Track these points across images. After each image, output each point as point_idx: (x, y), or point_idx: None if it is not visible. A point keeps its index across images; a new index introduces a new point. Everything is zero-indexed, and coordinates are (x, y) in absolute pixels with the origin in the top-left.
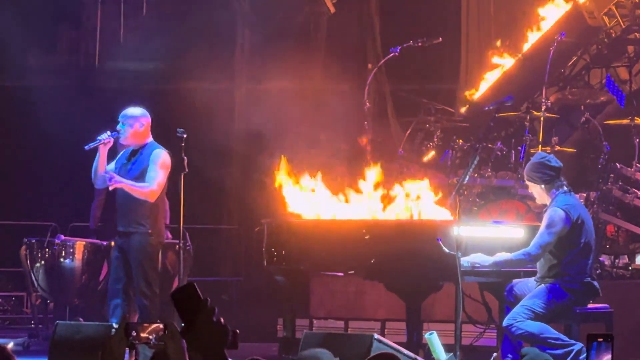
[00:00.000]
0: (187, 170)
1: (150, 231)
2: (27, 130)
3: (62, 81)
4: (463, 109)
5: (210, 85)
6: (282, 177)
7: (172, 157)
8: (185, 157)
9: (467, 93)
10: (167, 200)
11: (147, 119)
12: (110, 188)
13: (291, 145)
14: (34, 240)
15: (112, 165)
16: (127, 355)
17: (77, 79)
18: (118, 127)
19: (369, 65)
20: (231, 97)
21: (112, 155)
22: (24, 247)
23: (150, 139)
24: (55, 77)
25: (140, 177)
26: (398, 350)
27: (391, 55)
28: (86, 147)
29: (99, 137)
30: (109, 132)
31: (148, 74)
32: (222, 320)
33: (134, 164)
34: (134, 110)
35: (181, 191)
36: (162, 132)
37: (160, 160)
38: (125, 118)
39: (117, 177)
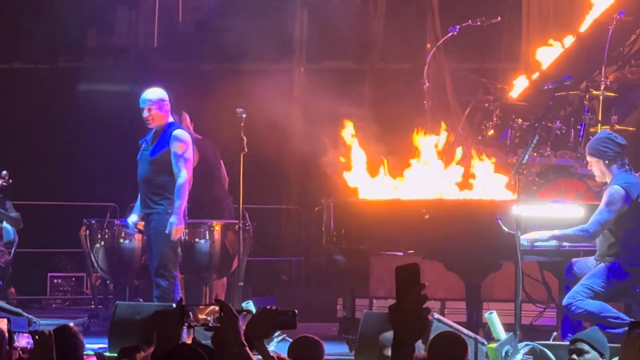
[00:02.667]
0: (246, 150)
1: (169, 211)
2: (86, 111)
3: (120, 62)
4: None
5: (269, 65)
6: (342, 157)
7: (231, 137)
8: (244, 137)
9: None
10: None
11: (167, 101)
12: (178, 236)
13: (350, 124)
14: (93, 221)
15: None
16: (184, 336)
17: (135, 59)
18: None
19: (428, 45)
20: (290, 77)
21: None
22: (83, 228)
23: (170, 119)
24: (114, 58)
25: (161, 159)
26: (458, 330)
27: (450, 34)
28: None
29: None
30: None
31: (206, 54)
32: (428, 313)
33: (155, 146)
34: (150, 93)
35: (241, 171)
36: (222, 112)
37: (180, 143)
38: (145, 102)
39: (175, 226)
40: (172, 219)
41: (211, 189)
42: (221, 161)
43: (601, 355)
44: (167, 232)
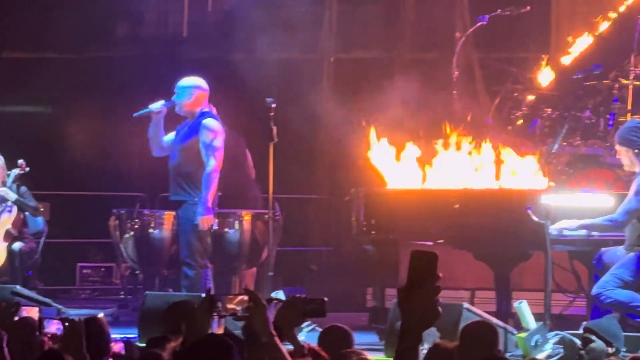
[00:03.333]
0: (276, 139)
1: (196, 200)
2: (115, 101)
3: (150, 51)
4: (550, 78)
5: (298, 55)
6: (372, 146)
7: (261, 126)
8: (274, 127)
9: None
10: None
11: (199, 89)
12: (206, 227)
13: (380, 114)
14: (123, 211)
15: (172, 135)
16: (215, 324)
17: (164, 49)
18: (173, 98)
19: (457, 34)
20: (320, 67)
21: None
22: (113, 218)
23: (202, 108)
24: (143, 48)
25: (189, 147)
26: (487, 320)
27: (479, 24)
28: (135, 115)
29: (151, 106)
30: (163, 102)
31: (236, 44)
32: (438, 303)
33: (185, 133)
34: (186, 80)
35: (270, 161)
36: (251, 102)
37: (209, 133)
38: (177, 88)
39: (201, 216)
40: (199, 209)
41: (238, 179)
42: (247, 151)
43: (609, 344)
44: (195, 222)
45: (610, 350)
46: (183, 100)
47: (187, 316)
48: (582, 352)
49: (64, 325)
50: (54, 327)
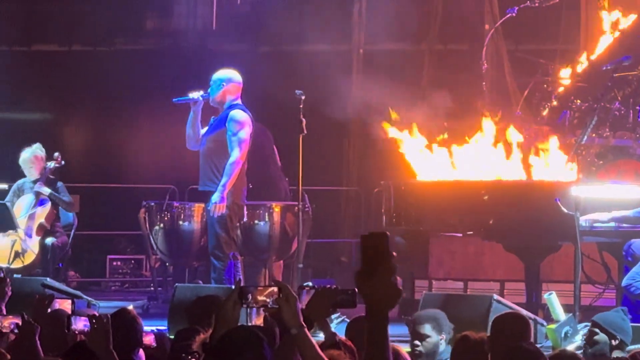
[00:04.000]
0: (305, 131)
1: None
2: (145, 93)
3: (179, 44)
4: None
5: (327, 47)
6: (401, 138)
7: (290, 119)
8: (303, 119)
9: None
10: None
11: (230, 82)
12: (217, 214)
13: (409, 106)
14: (152, 204)
15: (206, 129)
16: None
17: (193, 41)
18: (208, 90)
19: (486, 26)
20: (349, 59)
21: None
22: (143, 210)
23: (232, 100)
24: (173, 40)
25: (217, 138)
26: (517, 311)
27: (508, 16)
28: (174, 100)
29: (189, 95)
30: (201, 92)
31: (265, 36)
32: (399, 282)
33: (213, 125)
34: (218, 73)
35: (300, 153)
36: (280, 94)
37: (235, 124)
38: (210, 81)
39: (214, 202)
40: (215, 195)
41: (266, 171)
42: (274, 145)
43: (612, 337)
44: (208, 208)
45: (614, 342)
46: (214, 92)
47: (216, 308)
48: (586, 345)
49: (91, 322)
50: (81, 323)
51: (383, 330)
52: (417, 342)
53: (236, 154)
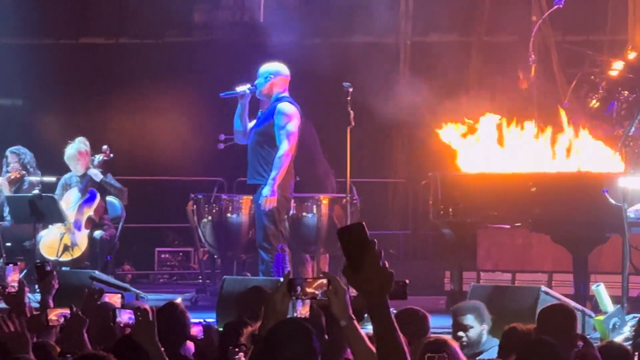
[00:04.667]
0: (353, 124)
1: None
2: (192, 85)
3: (226, 36)
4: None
5: (375, 39)
6: (449, 130)
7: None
8: (351, 111)
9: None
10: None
11: (277, 75)
12: (268, 207)
13: (456, 97)
14: (201, 196)
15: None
16: (299, 307)
17: (241, 34)
18: (255, 83)
19: (534, 18)
20: (396, 51)
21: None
22: (191, 202)
23: (280, 93)
24: (220, 33)
25: (264, 131)
26: (565, 303)
27: (556, 7)
28: (222, 95)
29: (237, 88)
30: (248, 85)
31: (312, 29)
32: (387, 264)
33: (261, 118)
34: (264, 66)
35: (348, 145)
36: (328, 86)
37: (283, 117)
38: (258, 73)
39: (264, 196)
40: (265, 189)
41: (313, 166)
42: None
43: None
44: (258, 202)
45: None
46: (261, 85)
47: (265, 301)
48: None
49: (135, 315)
50: (126, 316)
51: (387, 316)
52: (460, 333)
53: (285, 147)
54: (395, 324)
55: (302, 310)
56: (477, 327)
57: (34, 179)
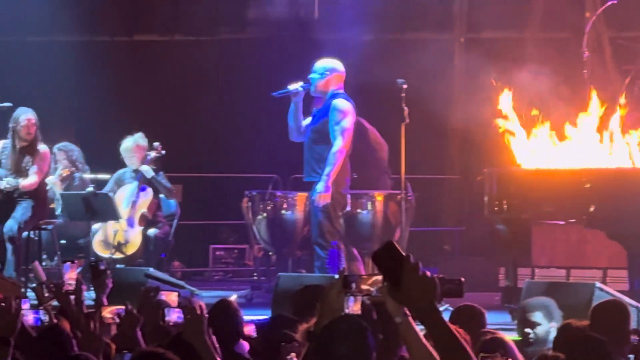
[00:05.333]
0: (407, 120)
1: None
2: (247, 82)
3: (281, 33)
4: None
5: (429, 35)
6: (503, 126)
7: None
8: (405, 108)
9: None
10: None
11: (333, 72)
12: (322, 204)
13: (512, 94)
14: (255, 193)
15: (310, 119)
16: (351, 304)
17: (296, 30)
18: (309, 79)
19: (587, 14)
20: (451, 47)
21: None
22: (245, 199)
23: (334, 90)
24: (275, 29)
25: (319, 128)
26: (620, 299)
27: (610, 3)
28: (274, 94)
29: (289, 86)
30: (301, 83)
31: (367, 25)
32: (427, 273)
33: (316, 115)
34: (320, 61)
35: (402, 142)
36: (382, 83)
37: (338, 113)
38: (312, 70)
39: (318, 192)
40: (319, 185)
41: (369, 164)
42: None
43: None
44: (312, 198)
45: None
46: (316, 82)
47: (320, 298)
48: None
49: (184, 314)
50: (175, 315)
51: (440, 322)
52: (528, 329)
53: (339, 143)
54: (451, 327)
55: (354, 306)
56: (545, 325)
57: (84, 175)
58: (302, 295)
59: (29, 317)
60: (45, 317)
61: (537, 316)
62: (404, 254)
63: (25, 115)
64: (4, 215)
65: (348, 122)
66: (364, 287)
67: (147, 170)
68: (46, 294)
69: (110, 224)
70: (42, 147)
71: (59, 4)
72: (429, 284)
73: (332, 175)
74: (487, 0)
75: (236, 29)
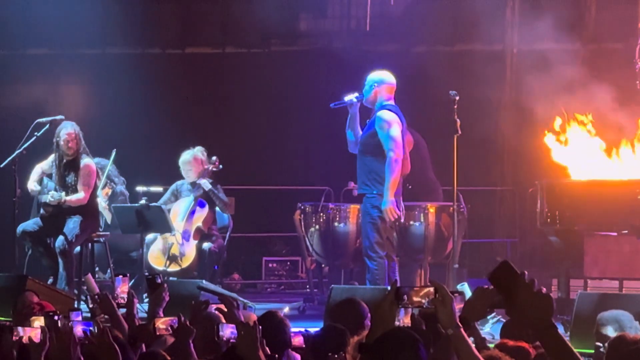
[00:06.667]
0: (459, 132)
1: (375, 192)
2: (298, 94)
3: (333, 45)
4: None
5: (482, 47)
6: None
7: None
8: (457, 119)
9: None
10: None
11: (382, 83)
12: (393, 218)
13: (564, 106)
14: (308, 205)
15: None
16: (402, 316)
17: (347, 42)
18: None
19: None
20: (502, 59)
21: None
22: (298, 212)
23: (383, 101)
24: (327, 41)
25: (367, 140)
26: None
27: None
28: (332, 105)
29: (344, 98)
30: (356, 94)
31: (419, 37)
32: (543, 289)
33: (364, 128)
34: (370, 74)
35: (454, 153)
36: (435, 94)
37: (383, 123)
38: (364, 82)
39: (384, 207)
40: (384, 201)
41: (422, 177)
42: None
43: None
44: (372, 215)
45: None
46: (367, 94)
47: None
48: None
49: (238, 330)
50: (229, 330)
51: (558, 337)
52: (599, 343)
53: (391, 154)
54: (569, 343)
55: (405, 319)
56: None
57: (121, 188)
58: (341, 309)
59: (77, 329)
60: (95, 329)
61: (609, 330)
62: (519, 272)
63: (65, 130)
64: (54, 230)
65: (394, 131)
66: (415, 299)
67: (205, 183)
68: (90, 305)
69: (166, 237)
70: (86, 161)
71: (111, 17)
72: (545, 299)
73: (392, 187)
74: (539, 12)
75: (288, 41)
